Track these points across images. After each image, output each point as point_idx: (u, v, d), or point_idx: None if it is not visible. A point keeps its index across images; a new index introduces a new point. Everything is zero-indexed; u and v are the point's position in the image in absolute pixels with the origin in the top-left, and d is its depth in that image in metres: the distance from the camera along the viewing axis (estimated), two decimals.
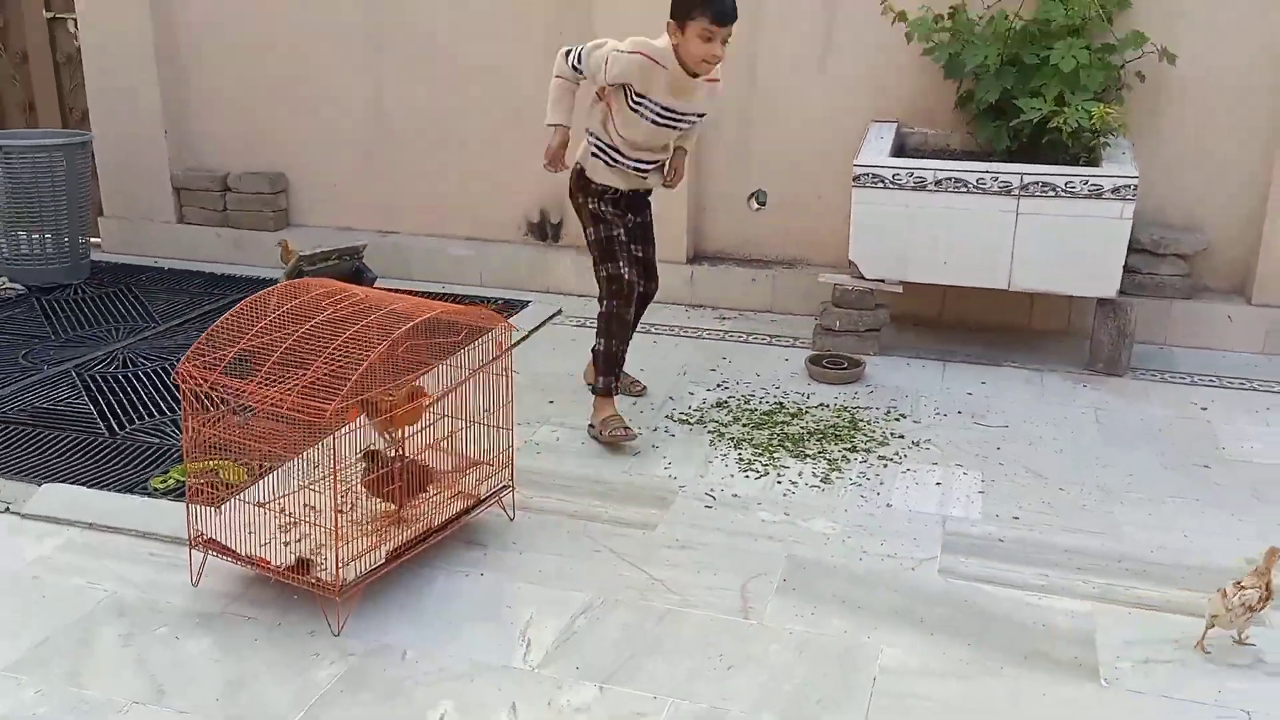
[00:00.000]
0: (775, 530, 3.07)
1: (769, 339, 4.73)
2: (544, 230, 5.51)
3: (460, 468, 2.93)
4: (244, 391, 2.40)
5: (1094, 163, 4.24)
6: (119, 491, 3.15)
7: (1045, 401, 4.03)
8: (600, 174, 3.61)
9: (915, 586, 2.80)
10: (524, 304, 5.09)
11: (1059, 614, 2.68)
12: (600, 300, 3.67)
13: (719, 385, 4.17)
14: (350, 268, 4.95)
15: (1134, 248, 4.45)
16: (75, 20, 5.69)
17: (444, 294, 5.22)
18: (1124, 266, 4.17)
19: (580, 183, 3.67)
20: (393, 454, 2.71)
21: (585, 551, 2.94)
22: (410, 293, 5.00)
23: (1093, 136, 4.22)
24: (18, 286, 5.09)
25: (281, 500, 2.71)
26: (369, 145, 5.58)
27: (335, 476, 2.38)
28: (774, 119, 5.00)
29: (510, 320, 4.74)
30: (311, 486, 2.72)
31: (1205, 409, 3.96)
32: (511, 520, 3.07)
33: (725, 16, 3.28)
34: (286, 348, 2.43)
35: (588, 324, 4.86)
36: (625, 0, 4.86)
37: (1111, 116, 4.12)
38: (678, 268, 5.15)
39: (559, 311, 5.06)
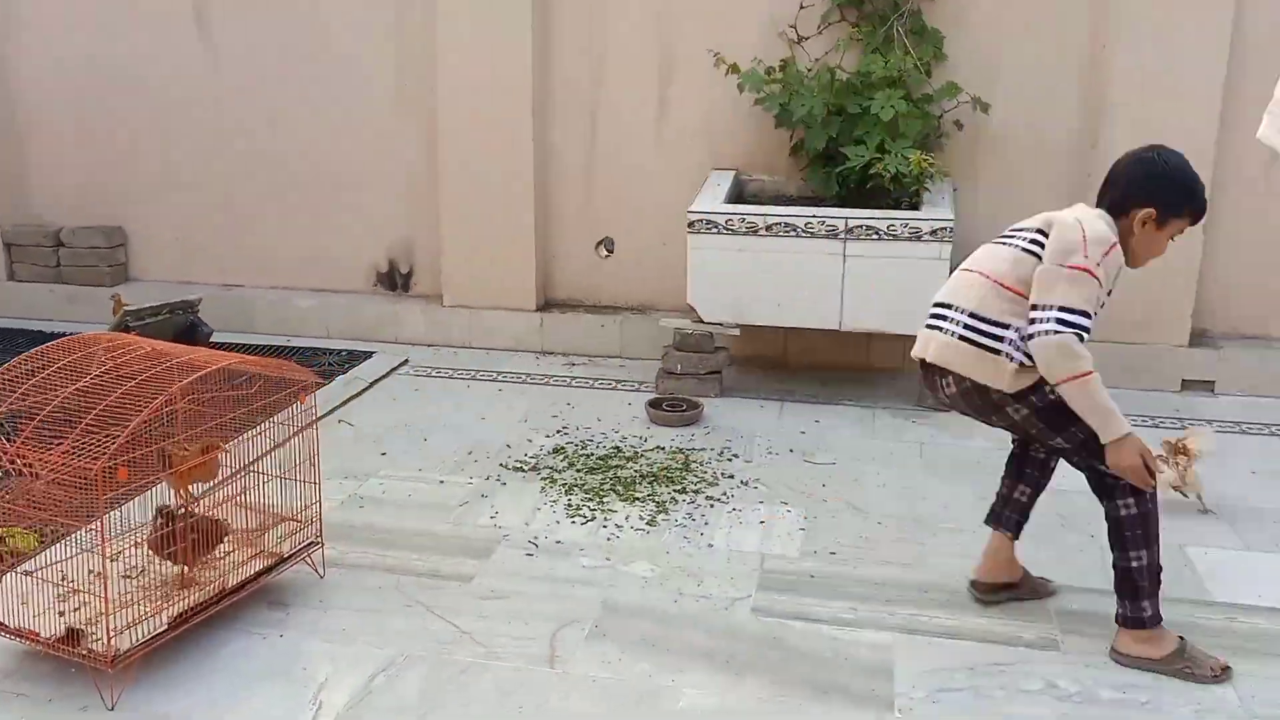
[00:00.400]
0: (594, 575, 3.06)
1: (615, 384, 4.76)
2: (393, 280, 5.46)
3: (262, 525, 2.85)
4: (5, 454, 2.30)
5: (915, 207, 4.41)
6: None
7: (874, 438, 4.13)
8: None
9: (726, 626, 2.81)
10: (368, 355, 5.02)
11: (862, 646, 2.72)
12: (1121, 501, 2.67)
13: (559, 431, 4.17)
14: (184, 322, 4.81)
15: None
16: None
17: (286, 347, 5.13)
18: None
19: (1023, 389, 2.66)
20: (184, 510, 2.62)
21: (395, 606, 2.88)
22: (241, 348, 4.92)
23: (914, 182, 4.39)
24: None
25: (61, 567, 2.58)
26: (211, 196, 5.47)
27: (104, 539, 2.29)
28: (617, 168, 5.08)
29: (352, 372, 4.69)
30: (93, 550, 2.60)
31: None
32: (321, 578, 2.99)
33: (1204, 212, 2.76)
34: (59, 405, 2.34)
35: (434, 374, 4.83)
36: (468, 44, 4.90)
37: (928, 163, 4.29)
38: (527, 315, 5.16)
39: (405, 361, 5.00)
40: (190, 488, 2.70)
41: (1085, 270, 2.55)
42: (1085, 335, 2.52)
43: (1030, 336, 2.54)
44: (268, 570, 2.80)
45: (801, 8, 4.75)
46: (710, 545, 3.25)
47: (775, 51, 4.78)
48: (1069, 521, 3.41)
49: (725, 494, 3.61)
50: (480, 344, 5.20)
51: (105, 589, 2.31)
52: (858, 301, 4.32)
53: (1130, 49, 4.44)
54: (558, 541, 3.26)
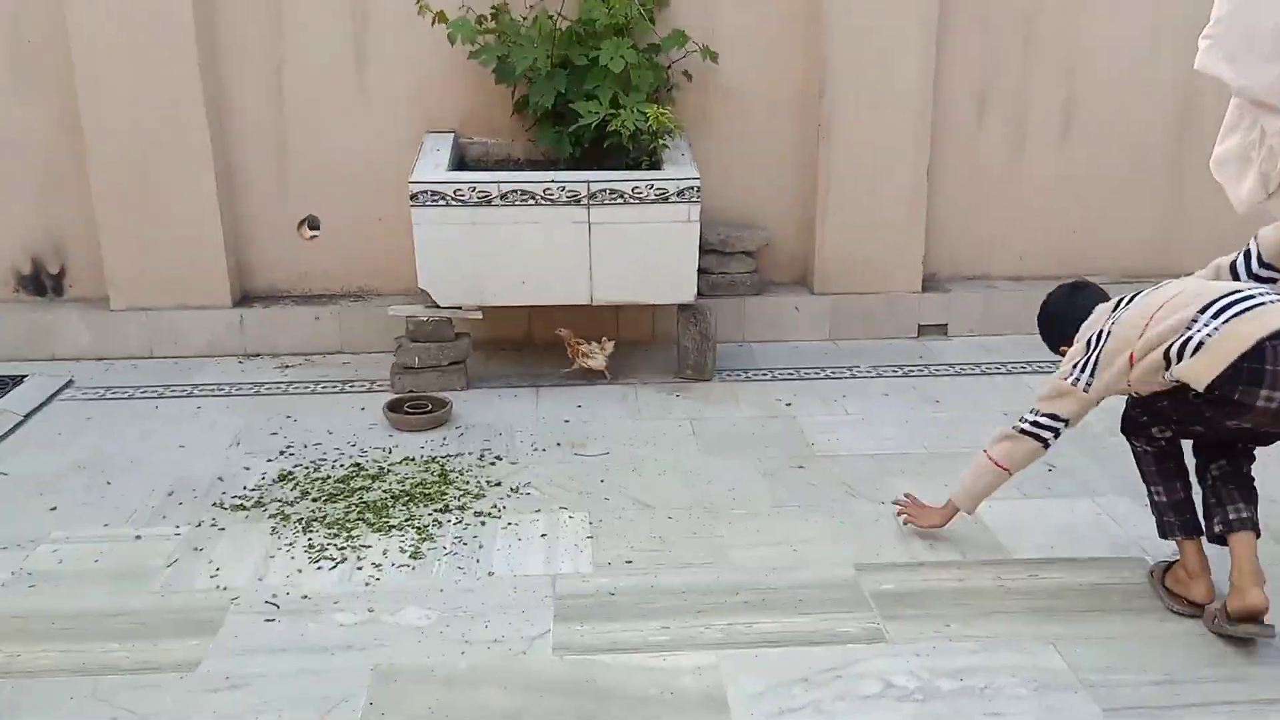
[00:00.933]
0: (357, 635, 2.51)
1: (341, 385, 4.13)
2: (40, 283, 4.46)
3: None
4: None
5: (656, 165, 4.10)
6: None
7: (642, 418, 3.82)
8: None
9: (528, 675, 2.38)
10: (18, 379, 4.05)
11: (686, 673, 2.39)
12: None
13: (282, 452, 3.51)
14: None
15: (704, 248, 4.39)
16: None
17: None
18: (698, 269, 4.07)
19: None
20: None
21: None
22: None
23: (652, 139, 4.07)
24: None
25: None
26: None
27: None
28: (312, 134, 4.39)
29: None
30: None
31: (789, 404, 3.95)
32: None
33: None
34: None
35: (106, 395, 3.99)
36: None
37: (666, 117, 3.99)
38: (222, 313, 4.39)
39: (69, 383, 4.08)
40: None
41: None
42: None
43: None
44: None
45: None
46: (490, 573, 2.79)
47: None
48: (855, 489, 3.25)
49: (495, 506, 3.15)
50: (165, 352, 4.36)
51: None
52: (607, 272, 3.96)
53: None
54: (304, 596, 2.67)
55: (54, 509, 3.11)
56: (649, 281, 4.01)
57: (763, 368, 4.33)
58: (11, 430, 3.64)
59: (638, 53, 4.09)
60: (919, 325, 4.69)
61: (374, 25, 4.31)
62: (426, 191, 3.83)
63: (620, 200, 3.90)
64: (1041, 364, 4.32)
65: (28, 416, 3.76)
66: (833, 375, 4.26)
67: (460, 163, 4.28)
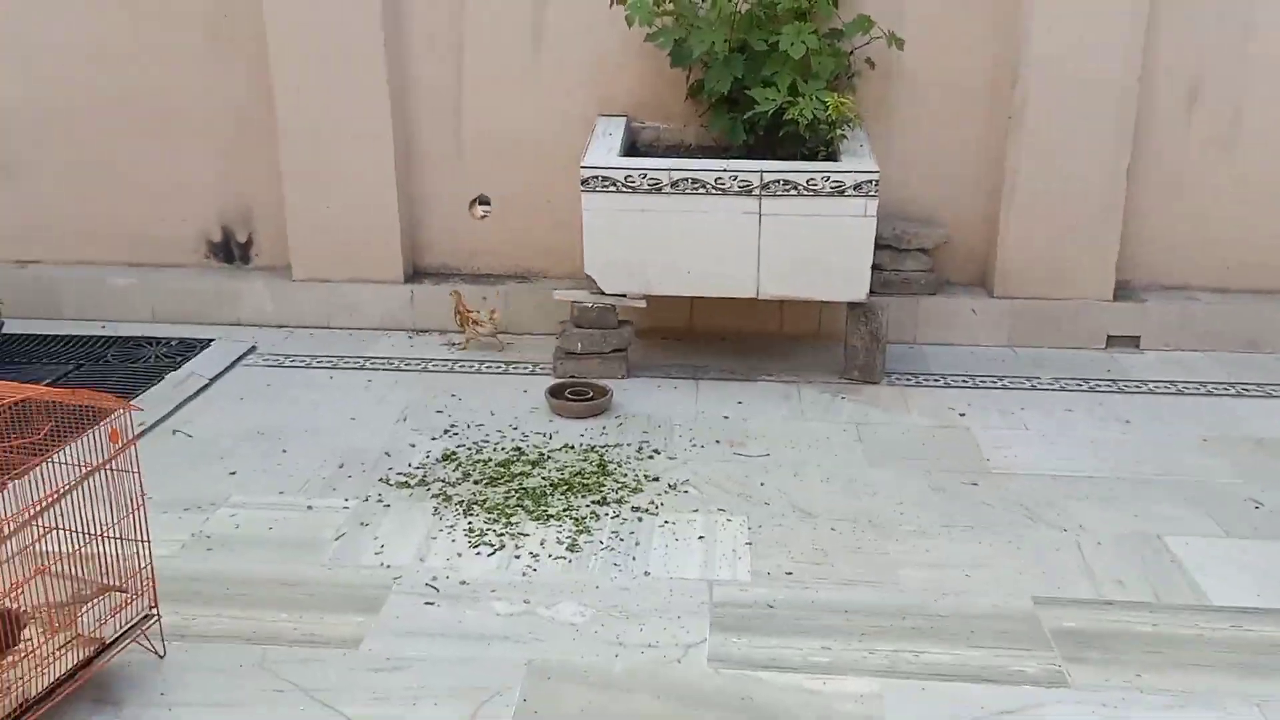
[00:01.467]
0: (513, 627, 2.50)
1: (505, 366, 4.15)
2: (229, 250, 4.66)
3: (76, 599, 2.17)
4: None
5: (832, 156, 3.94)
6: None
7: (805, 420, 3.69)
8: None
9: (682, 685, 2.32)
10: (205, 343, 4.24)
11: (847, 699, 2.27)
12: None
13: (446, 431, 3.55)
14: None
15: (878, 244, 4.21)
16: None
17: (102, 337, 4.30)
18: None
19: None
20: None
21: (262, 694, 2.25)
22: (46, 340, 4.09)
23: (830, 128, 3.92)
24: None
25: None
26: None
27: None
28: (487, 113, 4.41)
29: (186, 366, 3.94)
30: None
31: (963, 414, 3.75)
32: (162, 657, 2.33)
33: None
34: None
35: (285, 362, 4.12)
36: None
37: (847, 106, 3.82)
38: (395, 288, 4.48)
39: (251, 349, 4.25)
40: None
41: None
42: None
43: None
44: (88, 662, 2.13)
45: None
46: (646, 573, 2.74)
47: None
48: (1035, 513, 3.05)
49: (653, 503, 3.09)
50: (341, 323, 4.49)
51: None
52: (775, 265, 3.84)
53: None
54: (463, 582, 2.68)
55: (233, 473, 3.23)
56: (819, 277, 3.86)
57: (934, 372, 4.13)
58: (198, 393, 3.81)
59: (819, 38, 3.93)
60: (1108, 336, 4.38)
61: (553, 6, 4.29)
62: (598, 176, 3.79)
63: (794, 192, 3.76)
64: (1246, 385, 3.98)
65: (213, 380, 3.93)
66: (1010, 385, 4.02)
67: (632, 147, 4.23)
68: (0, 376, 3.81)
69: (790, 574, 2.74)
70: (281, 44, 4.23)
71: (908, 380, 4.05)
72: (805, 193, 3.77)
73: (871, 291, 3.95)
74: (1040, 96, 4.15)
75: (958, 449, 3.47)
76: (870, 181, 3.74)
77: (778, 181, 3.76)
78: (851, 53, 4.19)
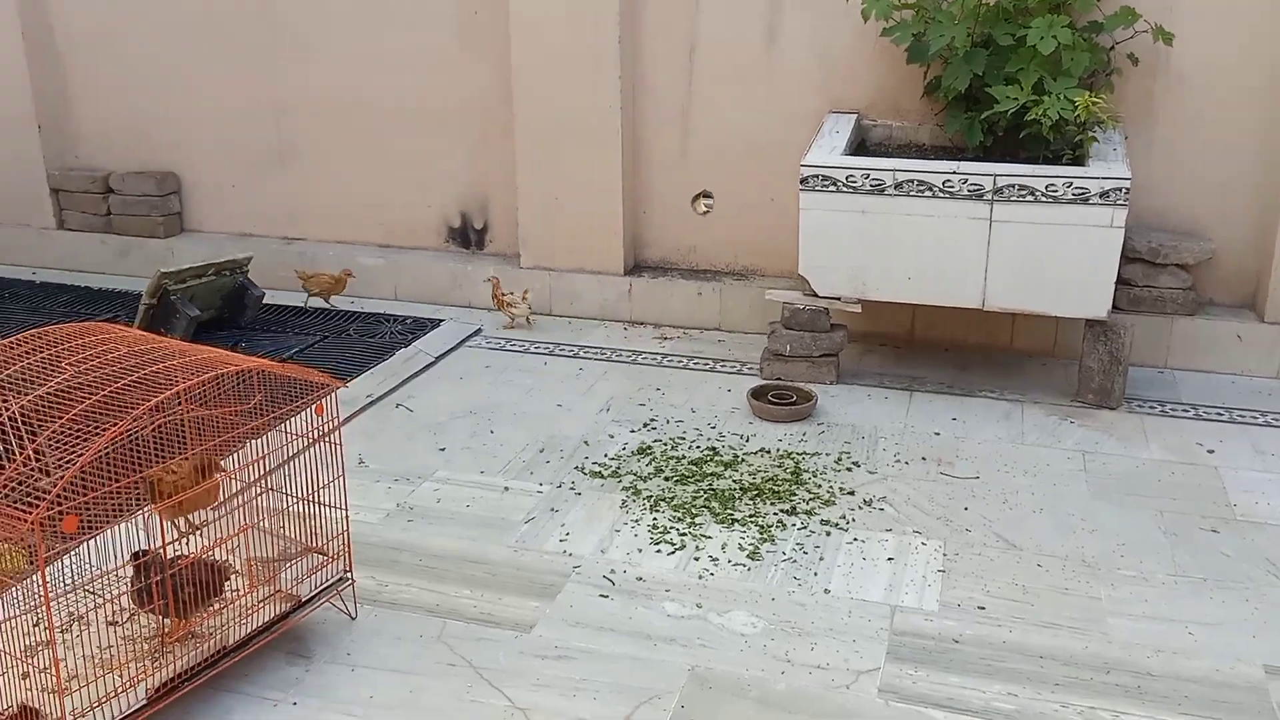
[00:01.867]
0: (682, 630, 2.48)
1: (712, 364, 4.13)
2: (466, 237, 4.90)
3: (281, 556, 2.34)
4: None
5: (1079, 160, 3.64)
6: None
7: (1025, 443, 3.44)
8: None
9: (847, 713, 2.21)
10: (437, 323, 4.48)
11: None
12: None
13: (645, 425, 3.57)
14: (232, 284, 4.34)
15: (1128, 256, 3.87)
16: None
17: (351, 311, 4.64)
18: (1116, 280, 3.56)
19: None
20: (172, 552, 2.11)
21: (436, 666, 2.34)
22: (298, 311, 4.44)
23: (1078, 130, 3.62)
24: None
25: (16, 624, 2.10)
26: (270, 140, 4.97)
27: (48, 609, 1.78)
28: (715, 110, 4.39)
29: (415, 344, 4.17)
30: (69, 598, 2.13)
31: (1212, 451, 3.37)
32: (353, 619, 2.48)
33: None
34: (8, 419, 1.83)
35: (505, 346, 4.29)
36: None
37: (1099, 106, 3.51)
38: (614, 280, 4.56)
39: (477, 331, 4.45)
40: (186, 518, 2.19)
41: None
42: None
43: None
44: (284, 617, 2.29)
45: None
46: (826, 590, 2.63)
47: None
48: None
49: (844, 518, 2.98)
50: (561, 311, 4.62)
51: (56, 667, 1.81)
52: (1005, 276, 3.59)
53: None
54: (639, 578, 2.68)
55: (442, 449, 3.39)
56: (1054, 290, 3.58)
57: (1184, 402, 3.73)
58: (423, 370, 4.03)
59: (1074, 32, 3.63)
60: None
61: (788, 3, 4.21)
62: (817, 175, 3.68)
63: (1030, 198, 3.50)
64: None
65: (438, 358, 4.14)
66: (1274, 422, 3.57)
67: (860, 146, 4.08)
68: (258, 341, 4.23)
69: (983, 609, 2.56)
70: (524, 44, 4.39)
71: (1150, 408, 3.68)
72: (1044, 199, 3.50)
73: (1116, 308, 3.63)
74: None
75: (1199, 490, 3.12)
76: (1119, 189, 3.43)
77: (1012, 186, 3.52)
78: (1112, 48, 3.85)
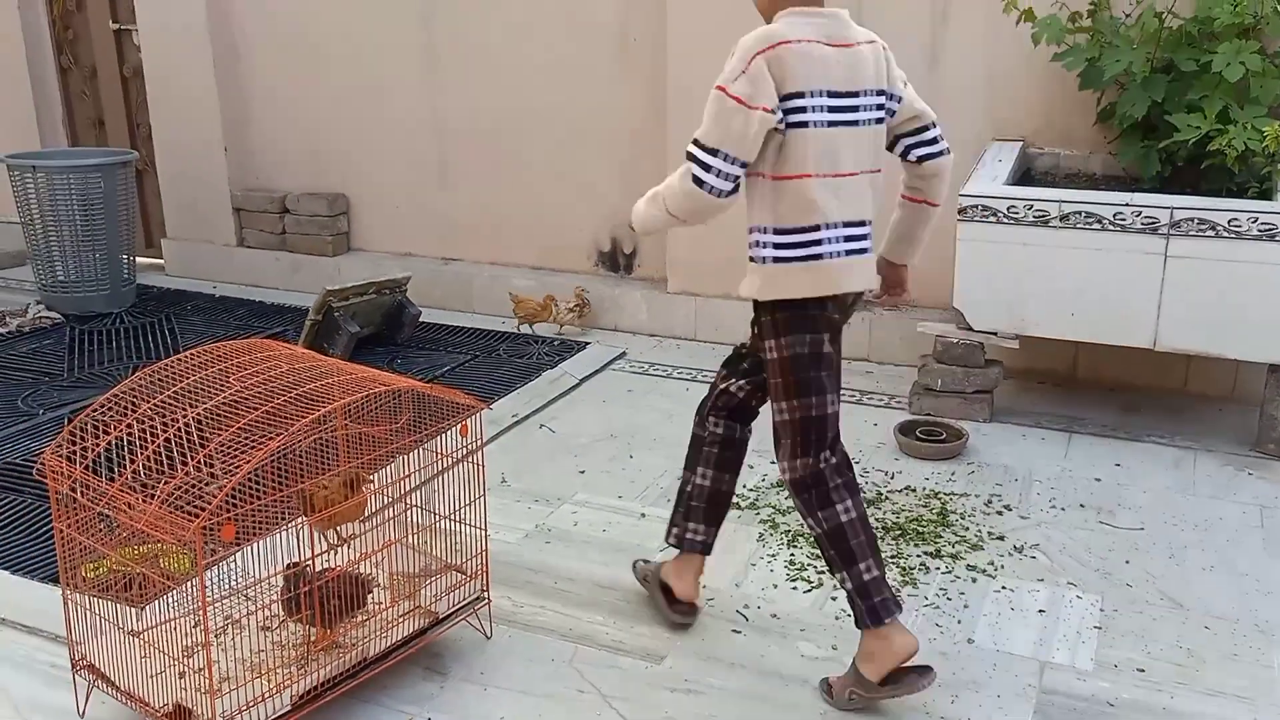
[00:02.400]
0: (815, 670, 2.41)
1: (860, 395, 4.04)
2: (615, 260, 4.96)
3: (423, 572, 2.40)
4: (106, 495, 1.93)
5: (1267, 195, 3.39)
6: (46, 581, 2.73)
7: (1195, 494, 3.21)
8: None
9: None
10: (583, 345, 4.54)
11: None
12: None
13: None
14: (391, 303, 4.51)
15: None
16: (137, 31, 5.49)
17: (499, 332, 4.76)
18: None
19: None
20: (322, 564, 2.20)
21: (566, 690, 2.35)
22: (454, 330, 4.58)
23: (1266, 162, 3.38)
24: (54, 315, 4.87)
25: (176, 625, 2.22)
26: (431, 164, 5.16)
27: (204, 613, 1.88)
28: None
29: (561, 365, 4.23)
30: (222, 601, 2.24)
31: None
32: (488, 639, 2.52)
33: None
34: (169, 437, 1.95)
35: (652, 371, 4.31)
36: None
37: None
38: None
39: (622, 355, 4.49)
40: (336, 530, 2.28)
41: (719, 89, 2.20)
42: (704, 176, 2.20)
43: None
44: (422, 633, 2.35)
45: None
46: (970, 641, 2.52)
47: None
48: None
49: (993, 564, 2.84)
50: (706, 337, 4.60)
51: (209, 669, 1.91)
52: (1180, 315, 3.38)
53: None
54: (774, 615, 2.63)
55: (582, 472, 3.42)
56: (1234, 332, 3.34)
57: None
58: (567, 391, 4.09)
59: (1264, 58, 3.40)
60: None
61: (954, 24, 4.09)
62: (977, 206, 3.55)
63: (1210, 233, 3.28)
64: None
65: (582, 380, 4.20)
66: None
67: (1025, 175, 3.93)
68: (413, 358, 4.38)
69: (1142, 670, 2.39)
70: (680, 62, 4.42)
71: None
72: (1226, 234, 3.28)
73: None
74: None
75: None
76: None
77: (1191, 220, 3.31)
78: None
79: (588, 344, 4.55)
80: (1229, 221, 3.26)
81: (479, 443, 2.37)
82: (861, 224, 2.25)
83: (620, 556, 2.90)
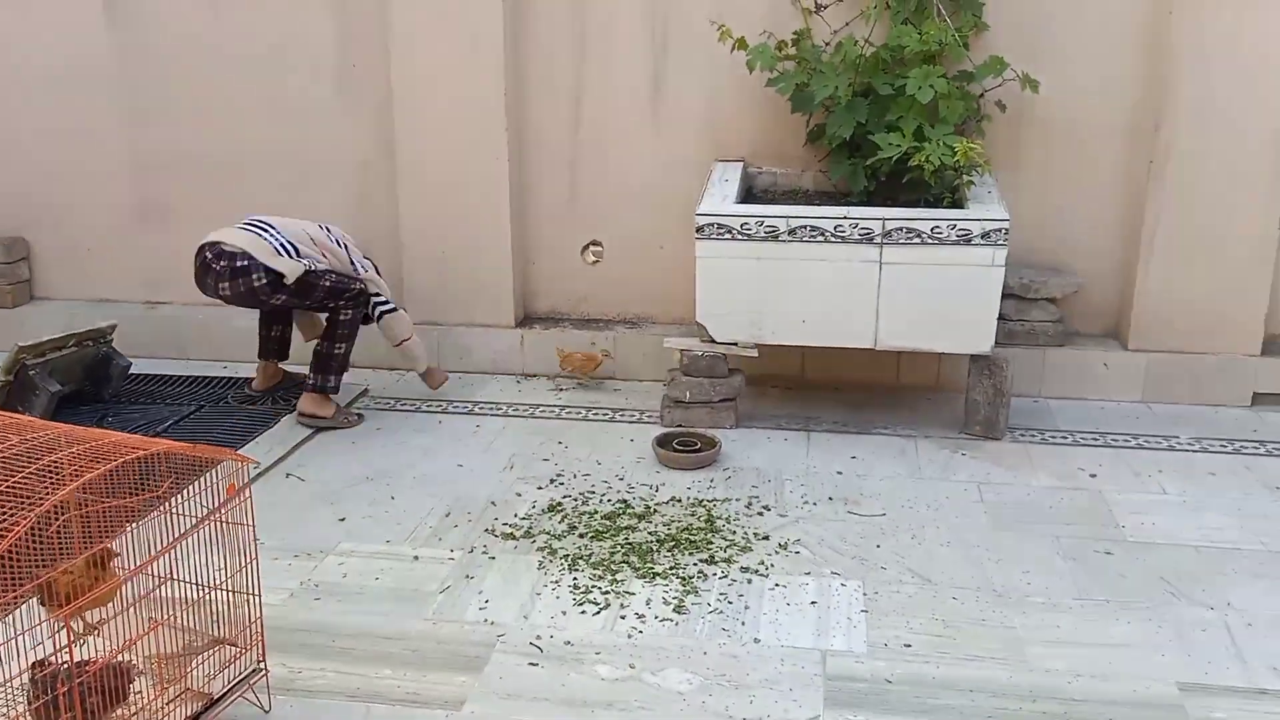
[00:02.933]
0: (619, 693, 2.41)
1: (611, 413, 4.10)
2: None
3: (188, 650, 2.17)
4: None
5: (958, 203, 3.79)
6: None
7: (923, 477, 3.53)
8: None
9: None
10: None
11: None
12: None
13: (553, 480, 3.51)
14: (95, 355, 4.07)
15: (1003, 293, 4.03)
16: None
17: (226, 377, 4.42)
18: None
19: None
20: (71, 658, 1.93)
21: None
22: (169, 379, 4.22)
23: (956, 174, 3.78)
24: None
25: None
26: (130, 205, 4.71)
27: None
28: (604, 159, 4.40)
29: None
30: None
31: (1094, 475, 3.53)
32: (267, 713, 2.32)
33: None
34: None
35: (399, 406, 4.17)
36: (424, 12, 4.20)
37: (976, 152, 3.67)
38: (505, 332, 4.48)
39: (364, 392, 4.31)
40: (82, 617, 2.01)
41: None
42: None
43: None
44: (195, 718, 2.13)
45: None
46: (756, 640, 2.62)
47: (788, 22, 4.11)
48: (1178, 589, 2.83)
49: (763, 563, 2.98)
50: (452, 366, 4.50)
51: None
52: (896, 316, 3.70)
53: (1197, 16, 3.83)
54: (567, 642, 2.61)
55: (342, 520, 3.24)
56: (942, 328, 3.71)
57: (1062, 429, 3.91)
58: (312, 435, 3.86)
59: (948, 82, 3.80)
60: (1254, 393, 4.09)
61: (673, 53, 4.27)
62: (713, 224, 3.72)
63: (917, 240, 3.63)
64: None
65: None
66: (1146, 444, 3.78)
67: (748, 193, 4.16)
68: (127, 415, 3.97)
69: (909, 646, 2.59)
70: (407, 94, 4.31)
71: (1032, 437, 3.84)
72: (929, 241, 3.63)
73: (995, 343, 3.78)
74: (1187, 141, 3.93)
75: (1089, 513, 3.26)
76: (999, 230, 3.59)
77: (901, 229, 3.63)
78: (981, 95, 4.05)
79: None
80: (932, 229, 3.62)
81: (245, 500, 2.18)
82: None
83: (400, 605, 2.77)
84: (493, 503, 3.34)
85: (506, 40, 4.23)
